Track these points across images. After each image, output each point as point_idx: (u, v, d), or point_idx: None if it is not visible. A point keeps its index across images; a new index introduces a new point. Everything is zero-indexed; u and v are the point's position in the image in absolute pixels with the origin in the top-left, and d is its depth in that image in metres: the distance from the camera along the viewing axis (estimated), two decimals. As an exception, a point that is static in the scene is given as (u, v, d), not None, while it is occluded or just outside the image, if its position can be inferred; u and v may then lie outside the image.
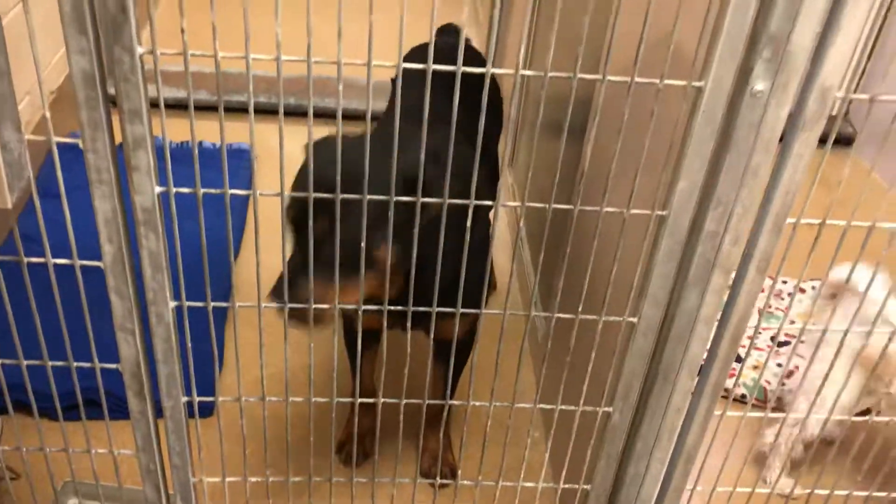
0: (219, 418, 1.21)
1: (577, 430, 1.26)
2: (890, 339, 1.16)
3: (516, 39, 3.02)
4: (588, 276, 1.08)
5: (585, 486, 1.31)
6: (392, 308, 1.12)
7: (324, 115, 2.83)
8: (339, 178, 0.95)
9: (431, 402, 1.24)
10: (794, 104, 0.91)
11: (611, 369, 1.17)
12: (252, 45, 0.84)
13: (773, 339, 2.36)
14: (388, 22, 0.86)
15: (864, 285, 1.14)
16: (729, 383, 2.17)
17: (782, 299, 2.59)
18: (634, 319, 1.10)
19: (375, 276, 1.30)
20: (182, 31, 0.83)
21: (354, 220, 1.03)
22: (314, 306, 1.13)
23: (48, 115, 0.90)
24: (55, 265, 1.04)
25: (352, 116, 2.56)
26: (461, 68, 0.87)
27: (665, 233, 1.01)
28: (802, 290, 2.61)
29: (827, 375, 1.20)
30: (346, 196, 0.97)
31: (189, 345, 1.11)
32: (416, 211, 1.00)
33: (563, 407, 1.22)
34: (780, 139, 0.95)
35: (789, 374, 2.20)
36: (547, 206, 1.01)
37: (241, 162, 2.91)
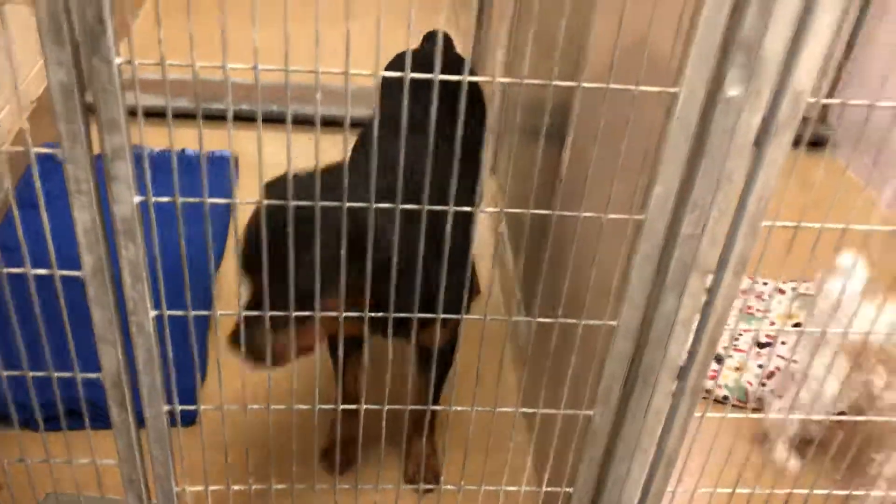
0: (201, 427, 1.21)
1: (559, 433, 1.26)
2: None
3: (499, 47, 3.03)
4: (567, 280, 1.09)
5: (568, 489, 1.32)
6: (373, 315, 1.12)
7: (306, 122, 2.82)
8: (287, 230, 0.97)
9: (414, 407, 1.24)
10: (768, 109, 0.93)
11: (591, 373, 1.18)
12: (233, 52, 0.84)
13: (757, 342, 2.38)
14: (371, 29, 0.86)
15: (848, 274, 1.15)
16: (710, 385, 2.20)
17: (763, 300, 2.62)
18: (614, 323, 1.11)
19: (330, 321, 1.29)
20: (159, 41, 0.83)
21: (305, 269, 1.04)
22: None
23: (26, 126, 0.90)
24: (38, 276, 1.04)
25: (333, 123, 2.55)
26: (438, 76, 0.88)
27: (642, 237, 1.02)
28: (782, 292, 2.64)
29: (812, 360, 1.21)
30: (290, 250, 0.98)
31: (170, 354, 1.11)
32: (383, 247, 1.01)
33: (545, 411, 1.23)
34: (756, 143, 0.96)
35: (770, 375, 2.22)
36: (526, 211, 1.02)
37: (224, 170, 2.90)
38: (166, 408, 1.18)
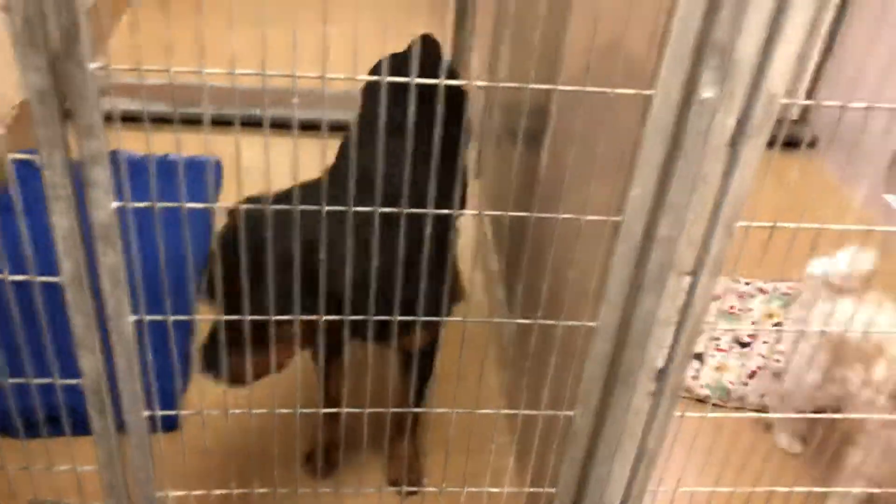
0: (181, 432, 1.21)
1: (541, 434, 1.27)
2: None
3: (480, 50, 3.04)
4: (547, 281, 1.10)
5: (550, 490, 1.32)
6: (354, 318, 1.12)
7: (286, 126, 2.81)
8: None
9: (395, 410, 1.24)
10: (742, 111, 0.94)
11: (571, 373, 1.18)
12: (212, 56, 0.84)
13: (739, 342, 2.40)
14: (357, 31, 0.87)
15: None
16: (692, 384, 2.21)
17: (744, 300, 2.63)
18: (593, 324, 1.11)
19: (289, 344, 1.30)
20: (137, 46, 0.83)
21: (264, 292, 1.06)
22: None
23: (2, 131, 0.89)
24: (16, 282, 1.03)
25: (312, 127, 2.54)
26: (415, 80, 0.88)
27: (620, 238, 1.03)
28: (764, 291, 2.66)
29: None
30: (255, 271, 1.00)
31: (150, 359, 1.11)
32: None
33: (526, 411, 1.23)
34: (731, 144, 0.97)
35: (751, 375, 2.24)
36: (505, 213, 1.02)
37: (209, 174, 2.89)
38: (147, 413, 1.17)
